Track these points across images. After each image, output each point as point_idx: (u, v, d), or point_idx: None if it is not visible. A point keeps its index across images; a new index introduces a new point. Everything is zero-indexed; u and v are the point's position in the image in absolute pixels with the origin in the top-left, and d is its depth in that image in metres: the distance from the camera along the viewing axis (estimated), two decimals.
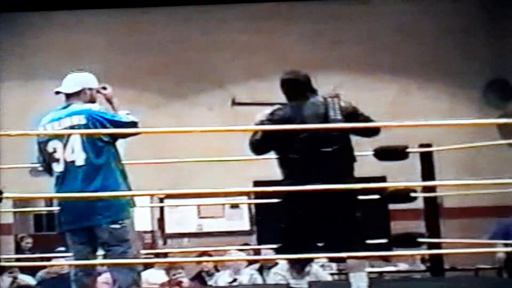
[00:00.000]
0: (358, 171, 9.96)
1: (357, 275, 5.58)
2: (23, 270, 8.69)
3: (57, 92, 5.44)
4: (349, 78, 12.52)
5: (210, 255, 8.86)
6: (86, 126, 5.24)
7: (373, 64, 12.64)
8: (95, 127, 5.23)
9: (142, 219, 11.46)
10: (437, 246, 7.47)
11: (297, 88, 5.78)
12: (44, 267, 8.44)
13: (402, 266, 10.54)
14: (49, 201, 10.63)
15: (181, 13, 12.65)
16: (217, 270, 9.42)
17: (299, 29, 12.73)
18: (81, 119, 5.26)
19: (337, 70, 12.61)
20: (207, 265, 9.47)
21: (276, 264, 8.52)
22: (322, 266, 8.90)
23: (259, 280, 8.65)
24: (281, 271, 8.19)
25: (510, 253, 8.20)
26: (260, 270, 8.89)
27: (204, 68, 12.59)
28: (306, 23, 12.73)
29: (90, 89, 5.43)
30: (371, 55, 12.64)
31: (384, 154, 7.44)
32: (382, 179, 10.73)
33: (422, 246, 7.19)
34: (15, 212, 11.10)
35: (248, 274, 8.77)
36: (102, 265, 5.49)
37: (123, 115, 5.36)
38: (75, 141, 5.21)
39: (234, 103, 12.53)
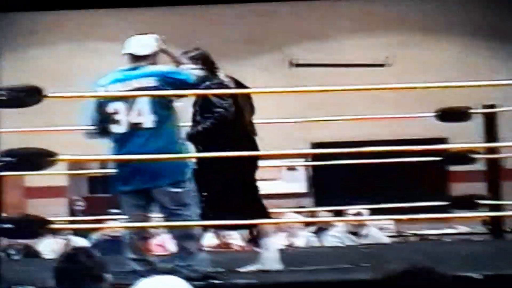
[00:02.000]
0: (420, 133, 9.87)
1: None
2: (76, 232, 8.66)
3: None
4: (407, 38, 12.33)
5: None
6: (156, 89, 5.15)
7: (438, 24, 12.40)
8: (167, 89, 5.14)
9: None
10: (498, 208, 7.31)
11: None
12: (97, 229, 8.40)
13: (462, 229, 10.35)
14: (104, 163, 10.68)
15: None
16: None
17: None
18: (151, 82, 5.17)
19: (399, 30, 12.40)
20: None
21: (333, 226, 8.41)
22: (381, 228, 8.75)
23: (316, 243, 8.53)
24: (337, 233, 8.08)
25: None
26: (317, 233, 8.77)
27: (260, 30, 12.46)
28: None
29: (145, 51, 5.31)
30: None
31: (447, 115, 7.30)
32: (443, 140, 10.55)
33: (482, 208, 7.03)
34: (69, 175, 11.10)
35: (304, 237, 8.65)
36: (157, 227, 5.37)
37: (189, 71, 5.29)
38: (143, 104, 5.11)
39: (292, 64, 12.50)
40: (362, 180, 10.51)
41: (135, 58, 5.28)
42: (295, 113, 9.28)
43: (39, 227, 4.47)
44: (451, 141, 10.48)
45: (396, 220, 9.42)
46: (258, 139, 5.69)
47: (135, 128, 5.13)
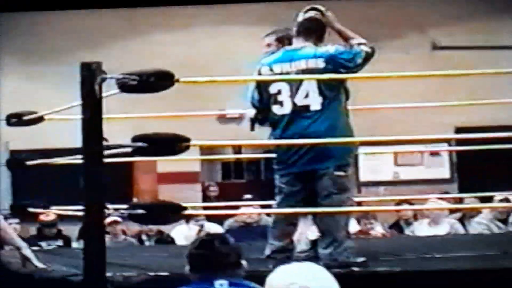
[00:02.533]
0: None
1: None
2: (210, 218, 8.64)
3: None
4: None
5: (409, 203, 8.50)
6: (324, 70, 5.00)
7: None
8: (335, 71, 4.99)
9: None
10: None
11: None
12: (231, 215, 8.34)
13: None
14: (237, 149, 10.66)
15: None
16: (416, 219, 9.07)
17: None
18: (319, 63, 5.02)
19: None
20: (406, 213, 9.11)
21: (479, 213, 8.09)
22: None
23: (461, 230, 8.24)
24: (484, 220, 7.76)
25: None
26: (462, 220, 8.49)
27: (401, 12, 12.16)
28: None
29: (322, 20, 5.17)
30: None
31: None
32: None
33: None
34: (203, 160, 11.08)
35: (448, 224, 8.36)
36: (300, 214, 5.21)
37: (358, 48, 5.04)
38: (311, 85, 4.98)
39: (435, 47, 12.16)
40: (509, 165, 10.08)
41: (304, 33, 5.13)
42: (438, 97, 8.98)
43: (172, 212, 4.41)
44: None
45: None
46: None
47: (301, 110, 5.01)
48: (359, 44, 5.06)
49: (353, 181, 5.12)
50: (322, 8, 5.19)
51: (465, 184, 11.17)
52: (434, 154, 11.53)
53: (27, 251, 4.99)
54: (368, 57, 5.05)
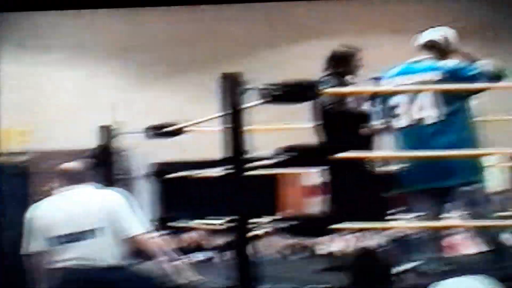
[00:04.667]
0: None
1: None
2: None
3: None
4: None
5: None
6: (440, 83, 4.99)
7: None
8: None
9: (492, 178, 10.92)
10: None
11: None
12: (383, 229, 8.23)
13: None
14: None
15: None
16: None
17: None
18: (435, 76, 5.01)
19: None
20: None
21: None
22: None
23: None
24: None
25: None
26: None
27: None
28: None
29: (446, 43, 5.20)
30: None
31: None
32: None
33: None
34: None
35: None
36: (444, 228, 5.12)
37: (481, 66, 5.00)
38: (426, 98, 4.97)
39: None
40: None
41: (425, 48, 5.19)
42: None
43: (326, 225, 4.31)
44: None
45: None
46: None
47: (417, 123, 5.01)
48: (485, 64, 5.02)
49: (487, 194, 5.02)
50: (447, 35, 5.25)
51: None
52: None
53: (179, 263, 5.04)
54: (494, 76, 4.97)
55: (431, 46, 5.19)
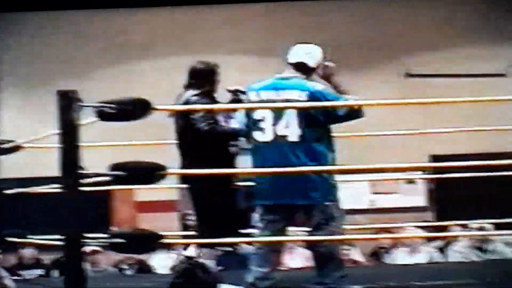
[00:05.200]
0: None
1: None
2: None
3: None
4: None
5: (388, 232, 8.51)
6: (305, 103, 5.03)
7: None
8: (317, 110, 5.01)
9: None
10: None
11: None
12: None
13: None
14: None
15: None
16: (395, 247, 9.09)
17: None
18: (302, 95, 5.05)
19: None
20: (384, 242, 9.15)
21: (458, 241, 8.13)
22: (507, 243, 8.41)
23: (439, 258, 8.26)
24: (462, 248, 7.79)
25: None
26: (441, 249, 8.51)
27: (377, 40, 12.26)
28: None
29: (312, 62, 5.25)
30: None
31: None
32: None
33: None
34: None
35: (427, 252, 8.38)
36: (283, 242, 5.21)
37: (348, 98, 5.10)
38: (291, 116, 5.01)
39: (408, 75, 12.23)
40: (486, 193, 10.11)
41: (297, 68, 5.22)
42: (414, 125, 9.02)
43: (152, 241, 4.38)
44: None
45: None
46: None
47: (279, 139, 5.05)
48: (353, 99, 5.11)
49: (340, 210, 5.10)
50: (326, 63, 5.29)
51: (441, 212, 11.22)
52: (410, 182, 11.59)
53: (8, 281, 4.95)
54: (352, 115, 5.06)
55: (299, 65, 5.21)
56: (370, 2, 12.25)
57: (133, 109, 4.47)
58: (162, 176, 4.49)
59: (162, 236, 4.41)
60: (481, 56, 12.08)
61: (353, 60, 11.72)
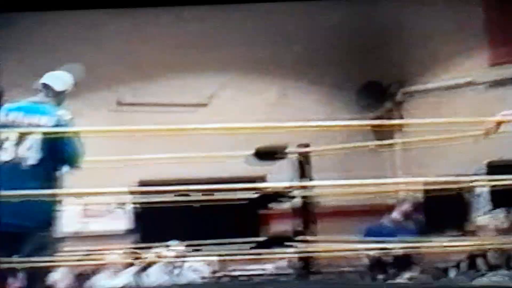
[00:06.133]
0: (240, 172, 10.15)
1: None
2: None
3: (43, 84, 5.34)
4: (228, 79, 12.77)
5: (94, 256, 8.88)
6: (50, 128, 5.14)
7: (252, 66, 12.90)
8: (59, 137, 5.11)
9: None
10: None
11: None
12: None
13: (272, 267, 10.75)
14: None
15: None
16: (100, 271, 9.39)
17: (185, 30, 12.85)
18: (50, 122, 5.18)
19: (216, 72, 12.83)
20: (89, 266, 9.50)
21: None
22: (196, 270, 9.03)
23: (137, 281, 8.71)
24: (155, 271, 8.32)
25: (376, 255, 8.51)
26: (143, 270, 8.97)
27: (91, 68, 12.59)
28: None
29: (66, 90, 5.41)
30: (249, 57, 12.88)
31: (263, 154, 7.59)
32: (262, 179, 10.87)
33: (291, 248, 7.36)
34: None
35: (127, 275, 8.83)
36: None
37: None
38: (35, 141, 5.10)
39: (120, 103, 12.61)
40: (185, 218, 10.57)
41: (48, 91, 5.34)
42: (125, 152, 9.41)
43: None
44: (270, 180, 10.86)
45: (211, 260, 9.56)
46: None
47: (19, 161, 5.10)
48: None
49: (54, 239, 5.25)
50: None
51: (145, 235, 11.49)
52: (120, 206, 11.99)
53: None
54: (75, 161, 5.25)
55: (50, 90, 5.33)
56: None
57: None
58: None
59: None
60: (189, 86, 12.81)
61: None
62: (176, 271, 8.26)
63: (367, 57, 12.61)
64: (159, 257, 8.34)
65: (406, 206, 9.48)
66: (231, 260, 9.38)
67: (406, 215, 9.43)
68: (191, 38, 12.82)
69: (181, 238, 8.17)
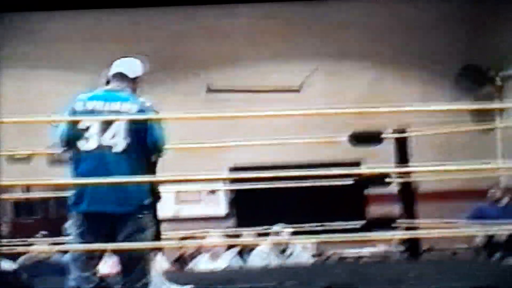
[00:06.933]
0: (334, 156, 10.15)
1: None
2: (2, 255, 8.66)
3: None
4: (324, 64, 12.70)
5: (193, 239, 8.93)
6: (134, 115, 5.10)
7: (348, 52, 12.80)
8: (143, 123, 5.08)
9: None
10: (413, 229, 7.60)
11: None
12: (24, 252, 8.46)
13: (381, 248, 10.65)
14: (26, 188, 10.72)
15: None
16: (199, 254, 9.45)
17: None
18: (133, 109, 5.14)
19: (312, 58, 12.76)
20: (187, 249, 9.59)
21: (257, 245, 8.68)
22: (304, 248, 9.03)
23: (240, 263, 8.76)
24: (263, 252, 8.35)
25: (487, 235, 8.39)
26: (241, 253, 9.00)
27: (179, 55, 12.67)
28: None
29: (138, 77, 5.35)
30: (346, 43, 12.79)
31: (359, 139, 7.55)
32: (357, 164, 10.85)
33: (398, 229, 7.32)
34: None
35: (227, 257, 8.88)
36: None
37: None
38: (120, 128, 5.07)
39: (209, 90, 12.70)
40: (283, 202, 10.69)
41: (123, 79, 5.29)
42: (214, 138, 9.46)
43: None
44: (365, 164, 10.83)
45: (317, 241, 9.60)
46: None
47: (104, 149, 5.08)
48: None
49: (152, 221, 5.21)
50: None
51: (242, 220, 11.74)
52: (212, 192, 12.11)
53: None
54: (160, 148, 5.19)
55: (124, 78, 5.26)
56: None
57: None
58: None
59: None
60: (278, 71, 12.77)
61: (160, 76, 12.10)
62: (288, 252, 8.27)
63: (465, 42, 12.47)
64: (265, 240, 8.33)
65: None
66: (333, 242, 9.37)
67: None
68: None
69: (282, 221, 8.15)
